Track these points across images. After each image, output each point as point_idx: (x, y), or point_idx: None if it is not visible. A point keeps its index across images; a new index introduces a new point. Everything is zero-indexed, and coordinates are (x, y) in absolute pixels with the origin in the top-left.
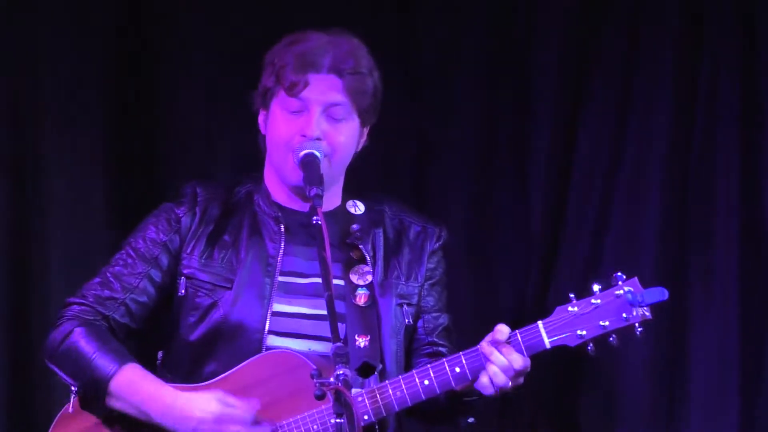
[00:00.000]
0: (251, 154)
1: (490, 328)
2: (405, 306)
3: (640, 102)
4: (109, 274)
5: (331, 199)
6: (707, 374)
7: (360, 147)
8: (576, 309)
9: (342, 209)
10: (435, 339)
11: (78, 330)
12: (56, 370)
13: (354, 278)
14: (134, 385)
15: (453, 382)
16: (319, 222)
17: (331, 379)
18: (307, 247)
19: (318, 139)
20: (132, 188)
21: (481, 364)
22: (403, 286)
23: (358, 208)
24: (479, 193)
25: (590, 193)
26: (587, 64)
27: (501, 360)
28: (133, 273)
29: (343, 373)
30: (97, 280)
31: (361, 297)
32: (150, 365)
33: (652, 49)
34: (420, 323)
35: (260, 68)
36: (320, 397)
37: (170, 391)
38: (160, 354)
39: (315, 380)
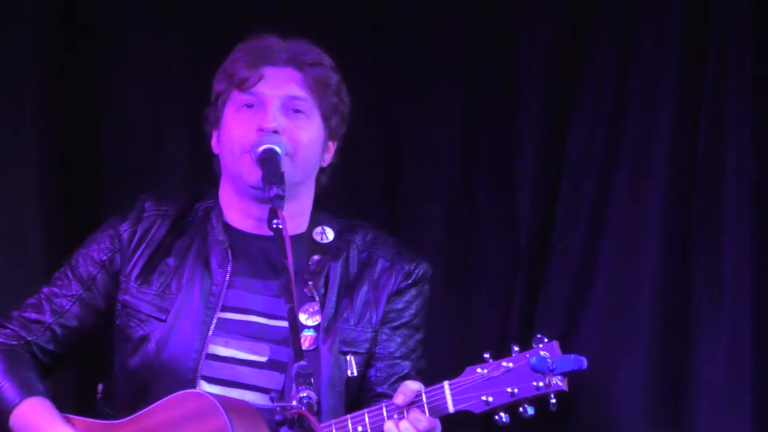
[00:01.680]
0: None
1: (469, 353)
2: (350, 355)
3: (639, 95)
4: (42, 295)
5: (296, 221)
6: (716, 393)
7: (326, 162)
8: (485, 371)
9: (307, 236)
10: (387, 390)
11: None
12: None
13: (302, 318)
14: (30, 420)
15: None
16: (280, 226)
17: (294, 402)
18: (257, 277)
19: (276, 132)
20: (69, 194)
21: (382, 422)
22: (350, 331)
23: (325, 236)
24: (458, 199)
25: (583, 196)
26: (579, 51)
27: (403, 426)
28: (66, 295)
29: (306, 396)
30: (32, 300)
31: (306, 339)
32: (90, 398)
33: (652, 36)
34: (372, 371)
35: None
36: (281, 423)
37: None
38: (100, 387)
39: (275, 403)
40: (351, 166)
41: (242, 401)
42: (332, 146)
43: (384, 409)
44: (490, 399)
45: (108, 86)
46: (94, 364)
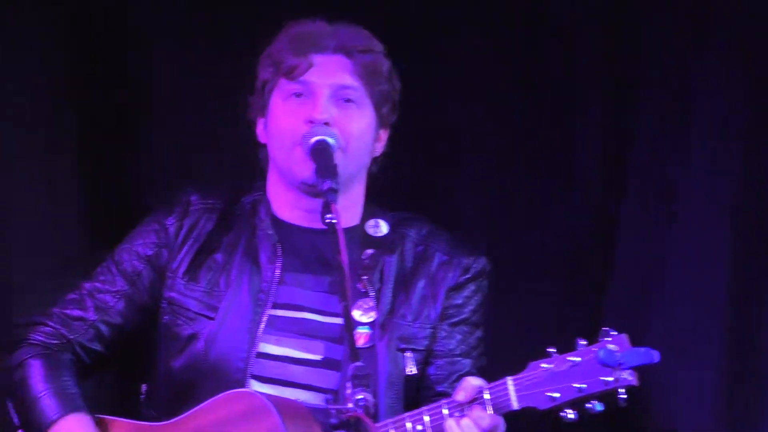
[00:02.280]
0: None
1: (528, 353)
2: (408, 352)
3: (708, 81)
4: (84, 290)
5: (348, 214)
6: None
7: (378, 152)
8: (551, 366)
9: (360, 229)
10: (448, 389)
11: (32, 362)
12: (8, 404)
13: (357, 314)
14: None
15: None
16: (334, 220)
17: (350, 405)
18: (308, 273)
19: (327, 124)
20: (109, 191)
21: (443, 420)
22: (407, 327)
23: (379, 229)
24: (514, 193)
25: (650, 190)
26: (641, 51)
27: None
28: (110, 291)
29: (363, 398)
30: (72, 296)
31: (361, 336)
32: (133, 400)
33: (724, 30)
34: (431, 370)
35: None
36: (337, 427)
37: None
38: (143, 388)
39: (331, 406)
40: (399, 158)
41: (293, 401)
42: (384, 135)
43: (444, 407)
44: (556, 395)
45: (151, 80)
46: (137, 365)
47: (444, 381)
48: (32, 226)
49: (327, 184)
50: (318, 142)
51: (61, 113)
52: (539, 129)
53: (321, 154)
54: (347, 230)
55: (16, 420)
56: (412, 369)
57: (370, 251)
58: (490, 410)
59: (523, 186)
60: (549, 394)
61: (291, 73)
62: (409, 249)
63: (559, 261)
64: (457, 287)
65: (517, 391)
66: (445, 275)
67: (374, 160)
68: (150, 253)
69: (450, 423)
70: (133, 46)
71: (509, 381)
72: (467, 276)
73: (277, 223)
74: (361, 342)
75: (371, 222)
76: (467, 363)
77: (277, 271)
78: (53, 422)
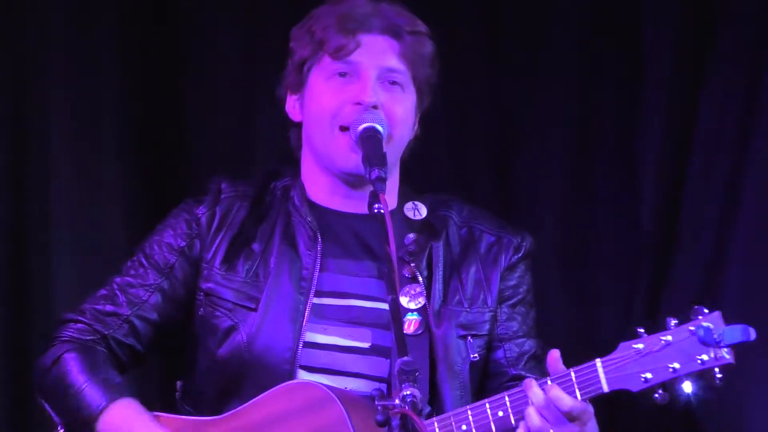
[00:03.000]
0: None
1: (588, 349)
2: (470, 338)
3: None
4: (115, 285)
5: (387, 198)
6: None
7: (413, 135)
8: (642, 346)
9: (398, 213)
10: (521, 371)
11: (68, 357)
12: (45, 405)
13: (404, 301)
14: (122, 425)
15: (494, 429)
16: (382, 210)
17: (396, 401)
18: (350, 258)
19: (375, 107)
20: (152, 180)
21: (524, 407)
22: (467, 314)
23: (418, 212)
24: (577, 187)
25: (713, 184)
26: (710, 26)
27: (539, 397)
28: (143, 284)
29: (410, 394)
30: (103, 291)
31: (411, 324)
32: (169, 396)
33: None
34: (500, 354)
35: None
36: (382, 424)
37: None
38: (179, 384)
39: (377, 402)
40: (464, 144)
41: (349, 391)
42: (417, 118)
43: (507, 398)
44: (649, 376)
45: (194, 72)
46: (171, 361)
47: (516, 363)
48: (75, 223)
49: (375, 173)
50: (367, 129)
51: (102, 104)
52: (601, 115)
53: (370, 142)
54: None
55: (57, 420)
56: (474, 355)
57: (412, 236)
58: (578, 395)
59: (585, 170)
60: (642, 375)
61: (338, 53)
62: (453, 232)
63: (619, 249)
64: (511, 268)
65: (606, 373)
66: (496, 257)
67: (408, 143)
68: (182, 244)
69: (530, 410)
70: (180, 32)
71: (598, 363)
72: (519, 255)
73: (314, 207)
74: (411, 329)
75: (409, 205)
76: (533, 343)
77: (318, 258)
78: (101, 411)
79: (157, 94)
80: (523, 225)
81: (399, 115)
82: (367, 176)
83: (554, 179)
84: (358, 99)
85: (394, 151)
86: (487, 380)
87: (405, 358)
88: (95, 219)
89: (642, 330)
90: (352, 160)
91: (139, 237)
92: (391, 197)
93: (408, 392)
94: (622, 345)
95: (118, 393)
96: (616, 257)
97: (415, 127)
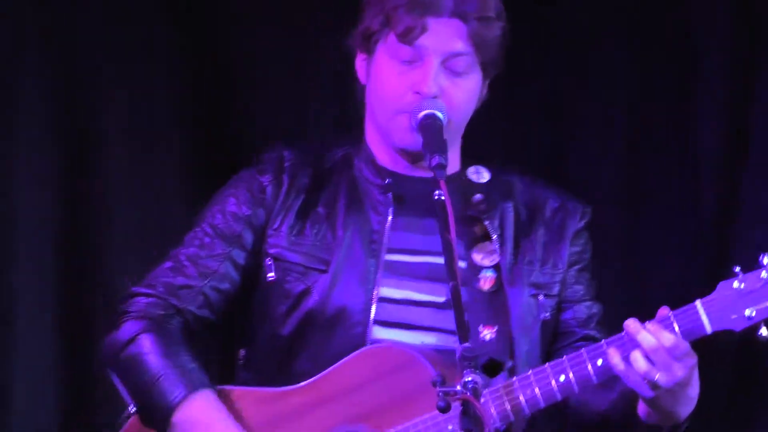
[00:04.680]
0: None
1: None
2: (541, 296)
3: None
4: (182, 257)
5: (450, 163)
6: None
7: (479, 103)
8: (742, 285)
9: (461, 176)
10: (592, 333)
11: (145, 337)
12: (115, 379)
13: (478, 258)
14: (199, 422)
15: (594, 378)
16: (443, 197)
17: (458, 387)
18: (420, 217)
19: (435, 97)
20: (210, 153)
21: (627, 352)
22: (538, 274)
23: (481, 175)
24: (633, 175)
25: None
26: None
27: (648, 339)
28: (211, 255)
29: (472, 380)
30: (168, 264)
31: (487, 281)
32: (228, 365)
33: None
34: (569, 314)
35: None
36: (444, 410)
37: None
38: (242, 352)
39: (438, 389)
40: (513, 130)
41: (428, 349)
42: (486, 83)
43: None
44: (753, 314)
45: (249, 48)
46: (231, 329)
47: (586, 324)
48: (134, 199)
49: (436, 160)
50: (427, 116)
51: (160, 76)
52: (659, 102)
53: (430, 129)
54: (449, 177)
55: (129, 400)
56: (546, 314)
57: (480, 195)
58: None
59: (642, 158)
60: (745, 313)
61: (404, 36)
62: (519, 197)
63: (678, 238)
64: (577, 233)
65: (708, 313)
66: (563, 221)
67: (474, 111)
68: (248, 212)
69: (636, 354)
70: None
71: (698, 304)
72: (584, 222)
73: (380, 169)
74: (486, 286)
75: (472, 168)
76: (599, 307)
77: (389, 217)
78: (178, 403)
79: (210, 72)
80: None
81: (460, 102)
82: (428, 163)
83: (610, 167)
84: (419, 89)
85: (453, 133)
86: (557, 340)
87: (466, 345)
88: (152, 195)
89: (738, 269)
90: (411, 138)
91: (195, 212)
92: (453, 160)
93: (469, 378)
94: (722, 284)
95: (195, 384)
96: (675, 245)
97: (483, 93)
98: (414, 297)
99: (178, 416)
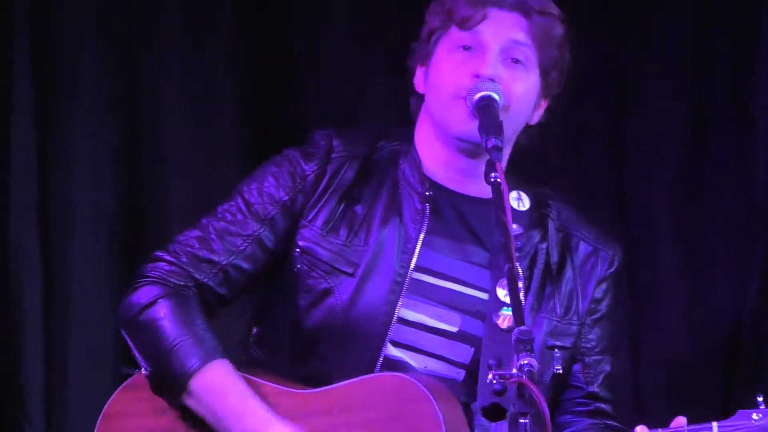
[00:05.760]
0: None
1: (701, 337)
2: (557, 351)
3: None
4: (211, 229)
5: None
6: None
7: (534, 120)
8: (759, 417)
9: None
10: (596, 390)
11: (163, 303)
12: (128, 341)
13: (501, 293)
14: (217, 391)
15: None
16: (499, 180)
17: (514, 371)
18: (453, 239)
19: (493, 80)
20: (267, 142)
21: None
22: (557, 323)
23: (522, 202)
24: (690, 156)
25: None
26: None
27: None
28: (240, 233)
29: (527, 363)
30: (195, 233)
31: (506, 319)
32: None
33: None
34: (577, 368)
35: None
36: (500, 393)
37: (255, 409)
38: (254, 330)
39: (493, 371)
40: (576, 114)
41: (434, 380)
42: (544, 104)
43: None
44: None
45: (306, 34)
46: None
47: (593, 381)
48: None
49: (492, 142)
50: (483, 97)
51: (218, 65)
52: (715, 85)
53: (486, 111)
54: (490, 201)
55: (141, 362)
56: (558, 368)
57: (517, 227)
58: None
59: (699, 139)
60: None
61: (464, 23)
62: (552, 237)
63: (734, 220)
64: (600, 282)
65: None
66: (592, 269)
67: (526, 128)
68: (285, 198)
69: None
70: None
71: (715, 426)
72: (611, 270)
73: (425, 180)
74: (505, 324)
75: (514, 194)
76: (609, 361)
77: (422, 233)
78: (194, 372)
79: (270, 64)
80: (636, 193)
81: (517, 92)
82: (484, 144)
83: (668, 148)
84: (476, 71)
85: (509, 127)
86: (565, 391)
87: (522, 328)
88: (211, 183)
89: (761, 399)
90: (468, 125)
91: None
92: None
93: (525, 361)
94: (741, 413)
95: (212, 353)
96: (731, 227)
97: (538, 113)
98: (426, 322)
99: (194, 384)
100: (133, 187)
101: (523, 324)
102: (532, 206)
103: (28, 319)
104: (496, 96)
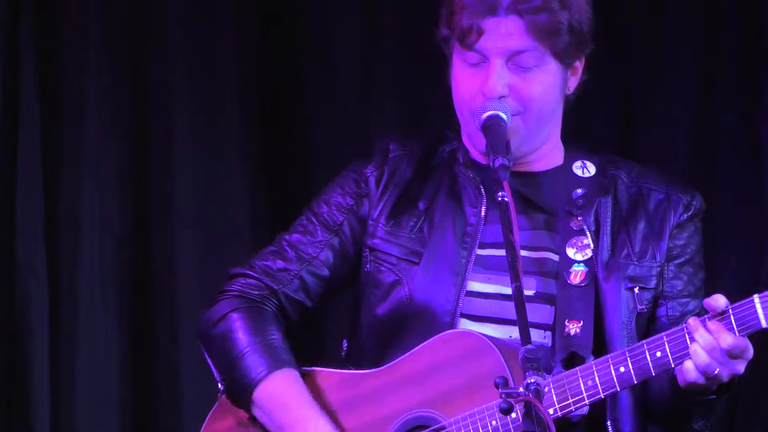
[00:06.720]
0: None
1: None
2: (637, 289)
3: None
4: (284, 242)
5: (548, 156)
6: None
7: (571, 89)
8: None
9: (565, 169)
10: None
11: (236, 316)
12: (204, 354)
13: (570, 252)
14: (278, 400)
15: (652, 369)
16: (506, 199)
17: (521, 389)
18: (516, 213)
19: (501, 97)
20: (275, 149)
21: (685, 346)
22: (635, 267)
23: (587, 169)
24: (699, 165)
25: None
26: None
27: (706, 338)
28: (312, 242)
29: (534, 382)
30: (271, 248)
31: (577, 275)
32: (334, 358)
33: None
34: (662, 311)
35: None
36: (506, 411)
37: (315, 417)
38: (345, 343)
39: (500, 390)
40: (585, 121)
41: (507, 340)
42: (579, 66)
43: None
44: None
45: (313, 54)
46: (338, 321)
47: (677, 322)
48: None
49: (498, 161)
50: (489, 117)
51: (227, 87)
52: (722, 93)
53: (492, 130)
54: (550, 171)
55: (217, 376)
56: (642, 307)
57: (580, 191)
58: (736, 331)
59: (708, 148)
60: None
61: (463, 42)
62: (622, 191)
63: (743, 228)
64: (679, 226)
65: (764, 308)
66: (665, 214)
67: (568, 98)
68: (351, 202)
69: (697, 348)
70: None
71: (756, 298)
72: (689, 214)
73: (476, 165)
74: (577, 280)
75: (578, 163)
76: (696, 304)
77: (483, 212)
78: (260, 380)
79: (276, 79)
80: None
81: (534, 95)
82: (491, 164)
83: (677, 157)
84: (482, 91)
85: (531, 126)
86: (647, 335)
87: (529, 347)
88: (220, 207)
89: None
90: (482, 144)
91: (261, 224)
92: (556, 154)
93: (532, 380)
94: None
95: (280, 362)
96: (740, 235)
97: (574, 79)
98: (504, 291)
99: (258, 393)
100: (139, 203)
101: (530, 343)
102: (598, 171)
103: (34, 336)
104: (503, 115)
